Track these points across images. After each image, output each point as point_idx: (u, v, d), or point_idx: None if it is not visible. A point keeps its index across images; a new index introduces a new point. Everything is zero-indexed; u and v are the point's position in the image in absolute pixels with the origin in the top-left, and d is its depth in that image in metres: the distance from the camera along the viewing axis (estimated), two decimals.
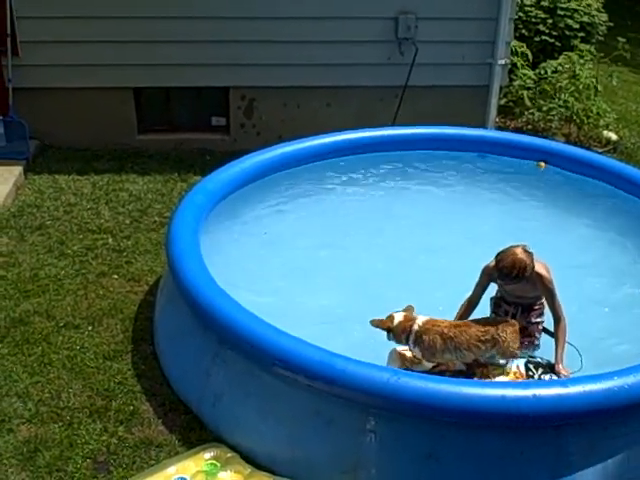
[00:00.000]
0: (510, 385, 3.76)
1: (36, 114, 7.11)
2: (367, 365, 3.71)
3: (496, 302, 4.51)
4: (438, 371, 4.17)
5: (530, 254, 4.13)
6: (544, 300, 4.35)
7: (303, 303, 4.80)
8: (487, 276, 4.33)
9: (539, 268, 4.19)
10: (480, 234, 5.48)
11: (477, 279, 4.38)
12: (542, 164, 6.39)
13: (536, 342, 4.43)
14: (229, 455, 3.84)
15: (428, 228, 5.61)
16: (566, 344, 4.21)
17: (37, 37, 7.08)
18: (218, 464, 3.75)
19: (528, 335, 4.39)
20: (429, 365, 4.20)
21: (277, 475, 3.74)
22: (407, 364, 4.21)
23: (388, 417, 3.66)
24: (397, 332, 4.14)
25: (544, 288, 4.24)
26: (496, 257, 4.19)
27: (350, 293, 4.93)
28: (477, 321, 4.22)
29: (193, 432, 4.05)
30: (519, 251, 4.11)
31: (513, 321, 4.20)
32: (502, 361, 4.14)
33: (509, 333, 4.07)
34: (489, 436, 3.62)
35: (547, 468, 3.60)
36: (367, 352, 4.05)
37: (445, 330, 4.10)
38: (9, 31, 6.92)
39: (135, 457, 3.88)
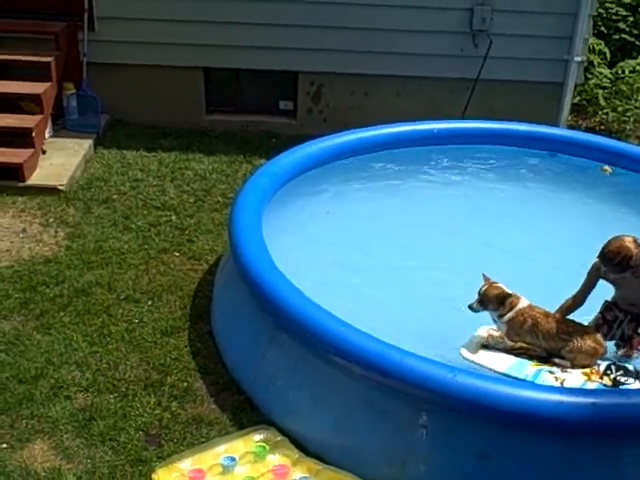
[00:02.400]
0: (569, 391, 3.67)
1: (108, 89, 7.24)
2: (424, 359, 3.65)
3: (608, 306, 4.35)
4: (517, 353, 4.23)
5: (638, 246, 4.02)
6: None
7: (362, 292, 4.77)
8: (596, 271, 4.22)
9: None
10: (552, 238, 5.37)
11: (585, 276, 4.27)
12: (608, 169, 6.19)
13: (634, 354, 4.25)
14: (278, 439, 3.84)
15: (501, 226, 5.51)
16: None
17: (113, 13, 7.21)
18: (267, 447, 3.76)
19: (630, 346, 4.25)
20: (510, 344, 4.26)
21: (325, 463, 3.73)
22: (490, 340, 4.30)
23: (442, 413, 3.61)
24: (497, 299, 4.19)
25: None
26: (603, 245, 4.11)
27: (410, 288, 4.86)
28: (571, 321, 4.23)
29: (244, 413, 4.06)
30: (628, 239, 4.05)
31: (599, 336, 4.15)
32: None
33: (587, 344, 4.09)
34: (543, 441, 3.53)
35: (602, 479, 3.51)
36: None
37: (536, 315, 4.18)
38: (87, 6, 7.04)
39: (186, 433, 3.92)
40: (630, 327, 4.27)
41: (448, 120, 6.66)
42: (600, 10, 8.42)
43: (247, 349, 4.31)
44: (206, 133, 7.46)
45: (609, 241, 4.09)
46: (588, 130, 7.89)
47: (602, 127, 8.01)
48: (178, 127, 7.44)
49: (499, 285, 4.27)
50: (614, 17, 8.69)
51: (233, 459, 3.69)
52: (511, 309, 4.21)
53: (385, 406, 3.72)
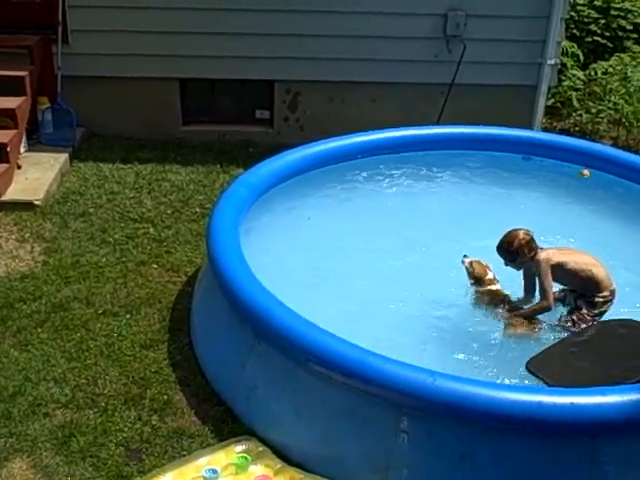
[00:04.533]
0: (548, 392, 3.69)
1: (83, 102, 7.20)
2: (404, 365, 3.66)
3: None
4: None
5: (526, 235, 4.57)
6: (598, 296, 4.61)
7: (340, 299, 4.78)
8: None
9: (541, 254, 4.57)
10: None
11: None
12: (586, 172, 6.23)
13: (567, 324, 4.64)
14: (260, 449, 3.83)
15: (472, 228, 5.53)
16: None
17: (87, 26, 7.19)
18: (249, 457, 3.74)
19: (571, 319, 4.65)
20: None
21: (307, 471, 3.72)
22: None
23: (422, 418, 3.61)
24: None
25: (537, 272, 4.61)
26: None
27: (388, 290, 4.89)
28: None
29: (225, 424, 4.04)
30: (515, 230, 4.62)
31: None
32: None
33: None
34: (524, 441, 3.54)
35: (581, 477, 3.52)
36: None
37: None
38: (60, 19, 7.01)
39: (167, 446, 3.89)
40: (572, 297, 4.73)
41: (424, 126, 6.69)
42: (572, 13, 8.49)
43: (227, 360, 4.30)
44: (183, 144, 7.44)
45: (503, 235, 4.64)
46: (562, 132, 7.95)
47: (576, 129, 8.08)
48: (154, 139, 7.42)
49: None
50: (586, 20, 8.77)
51: (215, 471, 3.67)
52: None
53: (366, 413, 3.71)
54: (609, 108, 7.82)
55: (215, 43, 7.28)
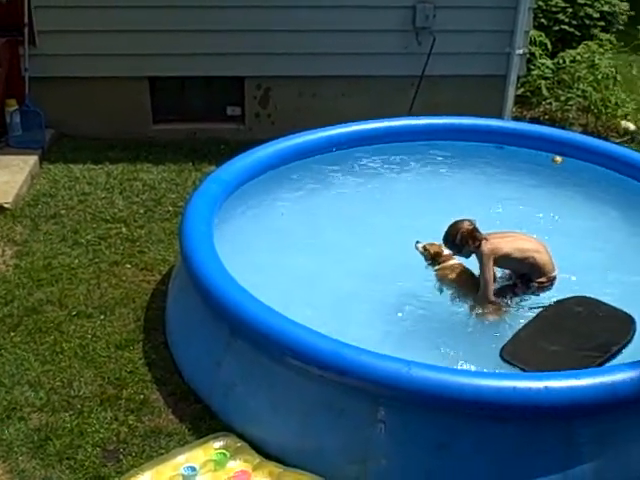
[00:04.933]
0: (521, 377, 3.71)
1: (52, 103, 7.13)
2: (379, 356, 3.67)
3: None
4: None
5: (469, 225, 4.66)
6: (536, 280, 4.72)
7: (316, 293, 4.77)
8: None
9: (485, 245, 4.63)
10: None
11: None
12: (558, 159, 6.28)
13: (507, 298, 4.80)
14: (238, 445, 3.82)
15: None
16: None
17: (53, 27, 7.12)
18: (227, 453, 3.73)
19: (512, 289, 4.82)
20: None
21: (286, 465, 3.72)
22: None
23: (399, 408, 3.63)
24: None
25: (479, 263, 4.68)
26: None
27: (363, 283, 4.90)
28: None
29: (203, 422, 4.03)
30: (458, 222, 4.72)
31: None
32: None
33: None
34: (500, 427, 3.57)
35: (558, 459, 3.55)
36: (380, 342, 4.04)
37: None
38: (26, 20, 6.94)
39: (145, 446, 3.87)
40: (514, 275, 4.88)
41: (395, 118, 6.68)
42: (540, 2, 8.55)
43: (203, 357, 4.28)
44: (154, 143, 7.39)
45: (447, 227, 4.74)
46: (533, 120, 8.00)
47: (546, 117, 8.13)
48: (125, 138, 7.36)
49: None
50: (553, 9, 8.83)
51: (194, 468, 3.65)
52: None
53: (343, 404, 3.72)
54: (578, 96, 7.87)
55: (184, 40, 7.23)
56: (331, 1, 7.28)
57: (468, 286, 4.82)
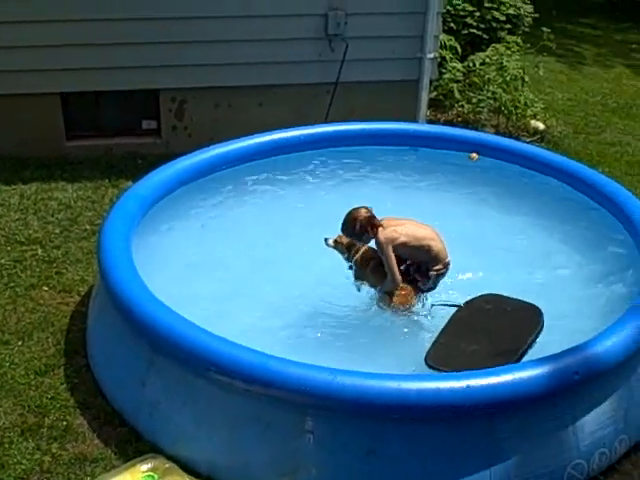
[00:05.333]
0: (444, 378, 3.77)
1: None
2: (303, 366, 3.68)
3: None
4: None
5: (367, 212, 4.72)
6: (432, 269, 4.84)
7: (237, 307, 4.76)
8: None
9: (382, 233, 4.70)
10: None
11: None
12: (474, 155, 6.42)
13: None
14: (167, 466, 3.76)
15: None
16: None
17: None
18: (156, 475, 3.68)
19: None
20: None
21: None
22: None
23: (326, 416, 3.65)
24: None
25: (380, 253, 4.75)
26: None
27: (284, 292, 4.94)
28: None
29: (129, 444, 3.96)
30: (355, 210, 4.76)
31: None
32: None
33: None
34: (426, 429, 3.64)
35: (483, 456, 3.64)
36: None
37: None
38: None
39: (70, 474, 3.78)
40: (411, 270, 4.93)
41: (313, 125, 6.71)
42: (448, 7, 8.69)
43: (126, 378, 4.21)
44: (68, 160, 7.21)
45: (345, 215, 4.78)
46: (447, 123, 8.14)
47: (459, 119, 8.27)
48: (38, 157, 7.16)
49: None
50: (462, 13, 8.98)
51: None
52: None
53: (270, 417, 3.73)
54: (488, 97, 8.04)
55: (94, 55, 7.08)
56: (243, 11, 7.25)
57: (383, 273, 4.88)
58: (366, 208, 4.78)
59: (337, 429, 3.65)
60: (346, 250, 4.98)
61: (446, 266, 4.87)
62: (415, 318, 4.78)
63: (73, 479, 3.76)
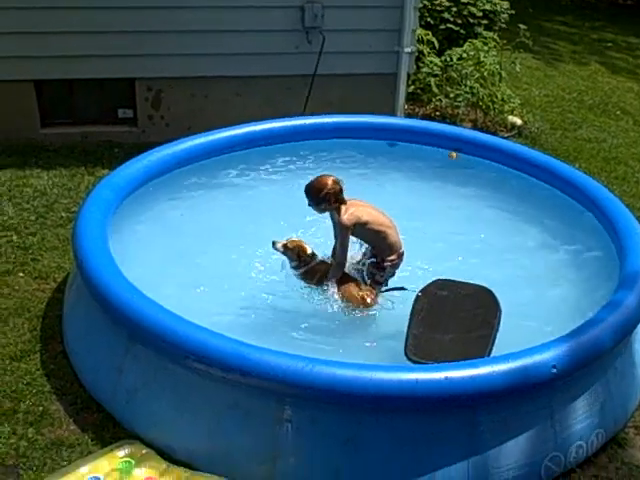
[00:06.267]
0: (422, 369, 3.81)
1: None
2: (281, 354, 3.70)
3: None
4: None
5: (336, 184, 4.65)
6: (387, 260, 4.82)
7: (215, 294, 4.78)
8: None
9: (346, 211, 4.65)
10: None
11: None
12: (454, 154, 6.46)
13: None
14: (144, 452, 3.77)
15: None
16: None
17: None
18: (133, 461, 3.68)
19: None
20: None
21: (194, 469, 3.70)
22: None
23: (304, 405, 3.67)
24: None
25: (338, 230, 4.72)
26: None
27: (259, 284, 4.95)
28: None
29: (106, 430, 3.96)
30: (325, 176, 4.71)
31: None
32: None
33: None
34: (404, 419, 3.68)
35: (461, 448, 3.68)
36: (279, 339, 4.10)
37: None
38: None
39: (46, 459, 3.77)
40: (366, 263, 4.91)
41: (288, 117, 6.71)
42: (425, 2, 8.75)
43: (103, 365, 4.20)
44: (43, 147, 7.15)
45: (314, 178, 4.74)
46: (425, 117, 8.18)
47: (437, 113, 8.33)
48: (12, 143, 7.08)
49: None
50: (438, 8, 9.03)
51: (98, 479, 3.58)
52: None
53: (248, 405, 3.75)
54: (466, 92, 8.10)
55: (70, 42, 7.02)
56: (220, 2, 7.23)
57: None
58: (336, 180, 4.71)
59: (315, 418, 3.67)
60: (295, 258, 4.87)
61: (400, 257, 4.87)
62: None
63: (49, 464, 3.75)
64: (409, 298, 4.59)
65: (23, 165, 6.81)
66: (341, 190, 4.70)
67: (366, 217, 4.73)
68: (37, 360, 4.43)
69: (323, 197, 4.66)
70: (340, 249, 4.76)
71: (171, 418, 3.91)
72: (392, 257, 4.84)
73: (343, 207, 4.71)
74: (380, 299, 4.83)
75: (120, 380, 4.06)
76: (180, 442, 3.87)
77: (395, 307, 4.74)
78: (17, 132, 7.18)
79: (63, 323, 4.72)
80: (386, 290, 4.88)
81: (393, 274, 4.93)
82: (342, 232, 4.72)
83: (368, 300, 4.75)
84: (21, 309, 4.86)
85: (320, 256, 4.94)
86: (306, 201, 4.77)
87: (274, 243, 4.88)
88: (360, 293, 4.78)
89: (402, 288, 4.80)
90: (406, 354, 4.15)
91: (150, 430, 3.93)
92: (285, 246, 4.87)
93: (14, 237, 5.67)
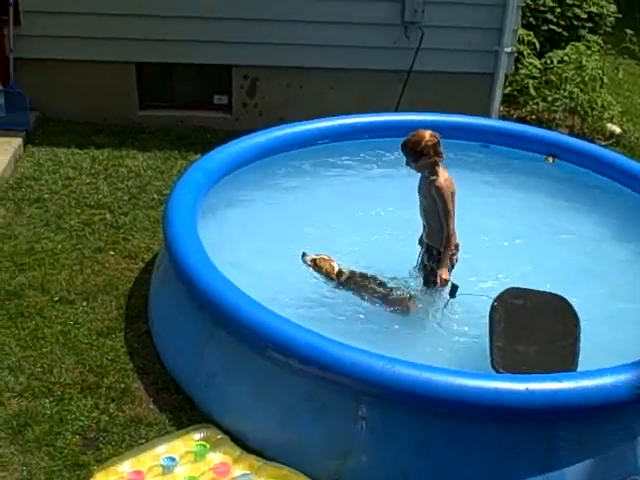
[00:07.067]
0: (504, 378, 3.74)
1: (37, 85, 7.07)
2: (361, 352, 3.69)
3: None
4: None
5: (433, 137, 4.47)
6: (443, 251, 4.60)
7: (299, 285, 4.79)
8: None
9: (442, 177, 4.47)
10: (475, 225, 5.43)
11: None
12: (550, 159, 6.30)
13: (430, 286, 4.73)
14: (219, 437, 3.82)
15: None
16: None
17: (40, 7, 7.02)
18: (207, 445, 3.74)
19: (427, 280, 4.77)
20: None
21: (266, 459, 3.73)
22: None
23: (380, 405, 3.65)
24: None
25: (437, 197, 4.48)
26: None
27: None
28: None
29: (184, 412, 4.03)
30: (422, 131, 4.51)
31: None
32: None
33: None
34: (481, 428, 3.61)
35: (537, 462, 3.59)
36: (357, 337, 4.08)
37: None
38: (12, 0, 6.85)
39: (125, 435, 3.87)
40: (425, 257, 4.77)
41: (381, 113, 6.68)
42: (528, 1, 8.55)
43: (185, 347, 4.28)
44: (140, 129, 7.33)
45: (410, 134, 4.55)
46: (519, 120, 8.01)
47: (533, 117, 8.15)
48: (111, 123, 7.30)
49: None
50: (542, 8, 8.82)
51: (173, 459, 3.66)
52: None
53: (325, 399, 3.74)
54: (565, 97, 7.89)
55: (172, 27, 7.17)
56: None
57: None
58: (433, 133, 4.51)
59: (390, 418, 3.65)
60: (325, 275, 4.83)
61: (457, 248, 4.66)
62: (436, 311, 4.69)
63: (127, 440, 3.85)
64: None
65: (120, 145, 7.00)
66: (439, 142, 4.50)
67: (453, 189, 4.53)
68: (122, 338, 4.55)
69: (421, 150, 4.46)
70: (447, 216, 4.49)
71: (247, 405, 3.95)
72: (452, 248, 4.61)
73: (439, 169, 4.52)
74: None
75: (201, 364, 4.13)
76: (254, 430, 3.90)
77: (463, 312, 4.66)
78: (117, 112, 7.38)
79: (149, 303, 4.82)
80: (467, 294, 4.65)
81: (452, 267, 4.70)
82: (443, 197, 4.47)
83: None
84: (110, 287, 5.00)
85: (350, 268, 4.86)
86: (404, 160, 4.60)
87: (304, 254, 4.89)
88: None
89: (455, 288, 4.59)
90: (493, 367, 4.05)
91: (226, 415, 3.97)
92: (314, 261, 4.88)
93: (107, 215, 5.84)
